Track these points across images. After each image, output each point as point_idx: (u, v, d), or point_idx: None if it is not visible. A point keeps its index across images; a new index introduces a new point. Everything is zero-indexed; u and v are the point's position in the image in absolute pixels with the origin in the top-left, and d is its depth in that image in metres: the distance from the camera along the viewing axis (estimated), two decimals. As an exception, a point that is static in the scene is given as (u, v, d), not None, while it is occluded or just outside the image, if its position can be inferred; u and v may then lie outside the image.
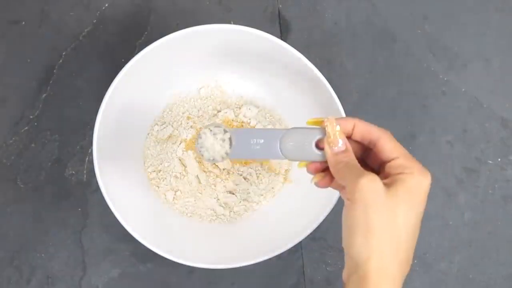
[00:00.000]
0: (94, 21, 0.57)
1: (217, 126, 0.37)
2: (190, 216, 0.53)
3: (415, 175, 0.32)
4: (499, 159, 0.57)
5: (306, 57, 0.46)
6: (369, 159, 0.36)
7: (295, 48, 0.46)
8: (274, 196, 0.55)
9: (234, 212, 0.54)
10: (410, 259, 0.32)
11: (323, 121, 0.35)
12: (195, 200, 0.53)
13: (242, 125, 0.54)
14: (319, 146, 0.36)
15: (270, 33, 0.46)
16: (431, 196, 0.56)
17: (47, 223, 0.55)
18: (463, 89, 0.57)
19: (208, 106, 0.54)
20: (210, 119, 0.54)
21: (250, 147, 0.37)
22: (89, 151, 0.55)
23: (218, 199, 0.53)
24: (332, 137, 0.34)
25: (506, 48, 0.58)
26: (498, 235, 0.56)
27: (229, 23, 0.47)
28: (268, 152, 0.37)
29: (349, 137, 0.35)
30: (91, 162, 0.55)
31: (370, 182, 0.31)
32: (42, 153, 0.55)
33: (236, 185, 0.53)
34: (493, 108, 0.57)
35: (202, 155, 0.38)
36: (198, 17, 0.57)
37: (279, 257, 0.50)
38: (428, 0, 0.58)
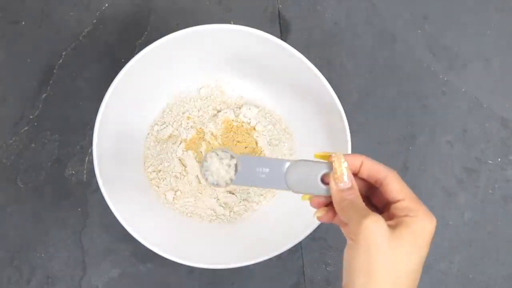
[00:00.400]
0: (94, 21, 0.57)
1: (224, 151, 0.37)
2: (190, 216, 0.53)
3: (420, 218, 0.32)
4: (499, 159, 0.57)
5: (306, 57, 0.46)
6: (374, 198, 0.36)
7: (295, 48, 0.46)
8: (274, 196, 0.55)
9: (234, 212, 0.54)
10: None
11: (330, 155, 0.35)
12: (195, 200, 0.53)
13: (242, 125, 0.54)
14: (324, 181, 0.35)
15: (270, 33, 0.46)
16: (431, 196, 0.56)
17: (47, 223, 0.55)
18: (463, 89, 0.57)
19: (208, 106, 0.54)
20: (210, 119, 0.54)
21: (255, 175, 0.36)
22: (89, 151, 0.55)
23: (218, 199, 0.53)
24: (338, 173, 0.34)
25: (506, 48, 0.58)
26: (498, 235, 0.56)
27: (229, 23, 0.47)
28: (273, 182, 0.36)
29: (355, 174, 0.35)
30: (91, 162, 0.55)
31: (375, 223, 0.31)
32: (42, 153, 0.55)
33: (236, 185, 0.53)
34: (493, 108, 0.57)
35: (207, 179, 0.38)
36: (198, 17, 0.57)
37: (279, 257, 0.50)
38: (428, 0, 0.58)
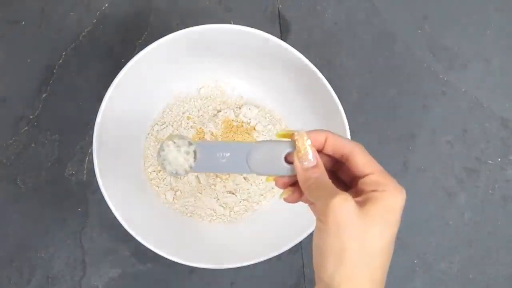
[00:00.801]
0: (94, 21, 0.57)
1: (181, 138, 0.36)
2: (190, 216, 0.53)
3: (390, 192, 0.31)
4: (499, 159, 0.57)
5: (306, 57, 0.46)
6: (341, 173, 0.35)
7: (295, 48, 0.46)
8: (274, 196, 0.55)
9: (234, 212, 0.54)
10: (384, 278, 0.31)
11: (293, 133, 0.33)
12: (195, 200, 0.53)
13: (242, 125, 0.54)
14: (288, 160, 0.34)
15: (270, 33, 0.46)
16: (431, 196, 0.56)
17: (47, 223, 0.55)
18: (463, 89, 0.57)
19: (208, 106, 0.54)
20: (210, 119, 0.54)
21: (215, 161, 0.35)
22: (89, 151, 0.55)
23: (218, 199, 0.53)
24: (302, 151, 0.32)
25: (506, 48, 0.58)
26: (498, 235, 0.56)
27: (229, 23, 0.47)
28: (235, 166, 0.35)
29: (320, 151, 0.34)
30: (91, 162, 0.55)
31: (343, 202, 0.30)
32: (42, 153, 0.55)
33: (236, 185, 0.53)
34: (493, 108, 0.57)
35: (164, 169, 0.36)
36: (198, 17, 0.57)
37: (279, 257, 0.50)
38: (428, 0, 0.58)
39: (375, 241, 0.30)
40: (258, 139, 0.54)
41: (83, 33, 0.57)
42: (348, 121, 0.46)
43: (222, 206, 0.53)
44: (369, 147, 0.57)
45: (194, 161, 0.35)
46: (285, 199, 0.35)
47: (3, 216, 0.55)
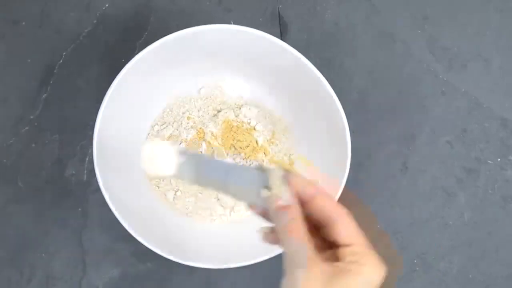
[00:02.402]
0: (94, 21, 0.57)
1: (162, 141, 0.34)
2: (190, 216, 0.53)
3: (368, 267, 0.29)
4: (498, 159, 0.57)
5: (306, 57, 0.46)
6: (324, 231, 0.32)
7: (295, 48, 0.46)
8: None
9: (234, 212, 0.54)
10: None
11: (271, 169, 0.32)
12: (195, 200, 0.53)
13: (242, 125, 0.54)
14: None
15: (270, 33, 0.46)
16: (431, 196, 0.56)
17: (47, 223, 0.55)
18: (463, 89, 0.57)
19: (208, 106, 0.55)
20: (210, 119, 0.54)
21: (198, 173, 0.34)
22: (89, 151, 0.56)
23: (218, 199, 0.53)
24: (274, 189, 0.31)
25: (506, 48, 0.58)
26: (498, 235, 0.56)
27: (229, 23, 0.47)
28: (216, 184, 0.34)
29: (304, 204, 0.31)
30: (91, 162, 0.55)
31: (306, 282, 0.28)
32: (42, 153, 0.55)
33: (236, 185, 0.53)
34: (493, 108, 0.57)
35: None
36: (198, 17, 0.57)
37: (279, 257, 0.50)
38: (428, 0, 0.58)
39: None
40: (259, 139, 0.54)
41: (83, 33, 0.57)
42: (348, 121, 0.46)
43: (222, 206, 0.53)
44: (369, 147, 0.57)
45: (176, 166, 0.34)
46: (263, 240, 0.33)
47: (3, 216, 0.55)
